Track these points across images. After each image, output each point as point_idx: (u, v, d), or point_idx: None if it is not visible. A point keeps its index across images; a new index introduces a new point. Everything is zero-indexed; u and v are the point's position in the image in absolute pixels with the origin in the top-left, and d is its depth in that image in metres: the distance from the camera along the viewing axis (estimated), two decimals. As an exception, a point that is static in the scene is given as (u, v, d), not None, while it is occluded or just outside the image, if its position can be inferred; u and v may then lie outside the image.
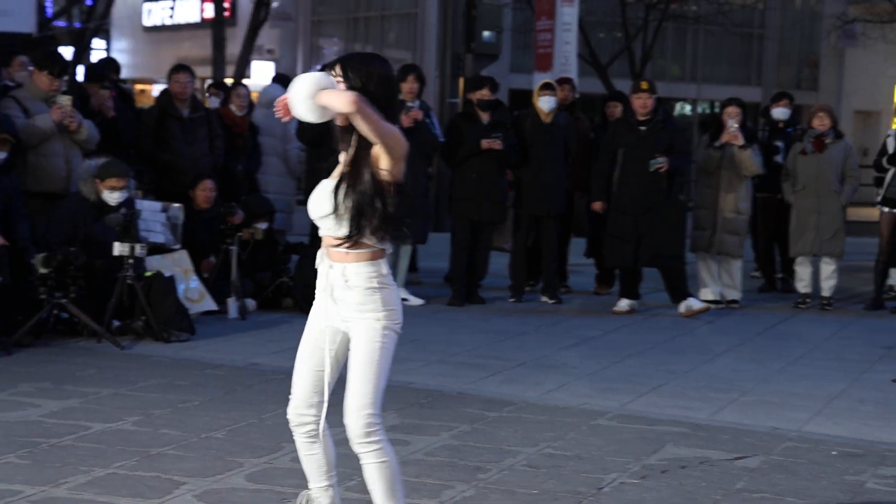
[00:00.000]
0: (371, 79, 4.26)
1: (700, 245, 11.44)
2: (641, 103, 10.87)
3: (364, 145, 4.24)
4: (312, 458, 4.48)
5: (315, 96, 4.16)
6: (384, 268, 4.33)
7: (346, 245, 4.27)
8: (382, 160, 4.23)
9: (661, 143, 10.82)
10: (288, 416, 4.45)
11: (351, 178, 4.25)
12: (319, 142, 10.97)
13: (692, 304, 10.95)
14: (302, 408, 4.42)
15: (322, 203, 4.29)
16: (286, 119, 4.39)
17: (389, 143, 4.20)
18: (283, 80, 12.19)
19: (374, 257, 4.30)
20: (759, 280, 13.34)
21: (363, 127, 4.16)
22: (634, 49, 27.94)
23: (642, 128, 10.87)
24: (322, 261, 4.37)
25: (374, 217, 4.22)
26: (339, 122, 4.30)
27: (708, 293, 11.51)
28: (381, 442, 4.29)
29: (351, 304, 4.30)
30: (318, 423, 4.42)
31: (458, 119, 11.42)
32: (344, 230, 4.26)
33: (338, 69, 4.29)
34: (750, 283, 13.01)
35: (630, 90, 11.26)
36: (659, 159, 10.69)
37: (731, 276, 11.59)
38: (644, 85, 11.00)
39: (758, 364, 8.89)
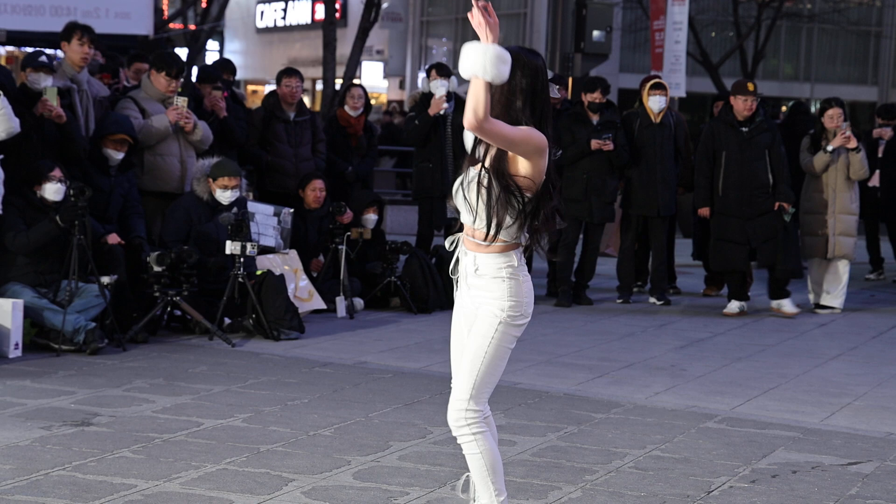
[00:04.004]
0: (516, 70, 4.18)
1: (816, 251, 11.06)
2: (748, 105, 10.68)
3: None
4: None
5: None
6: (516, 259, 4.32)
7: (481, 238, 4.27)
8: (519, 162, 4.20)
9: (765, 144, 10.65)
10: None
11: (484, 178, 4.23)
12: (425, 142, 11.01)
13: (784, 305, 10.84)
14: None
15: (459, 197, 4.30)
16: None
17: (518, 142, 4.14)
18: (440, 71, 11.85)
19: (507, 249, 4.29)
20: (873, 281, 13.06)
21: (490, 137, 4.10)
22: (746, 48, 27.58)
23: (744, 129, 10.71)
24: (459, 247, 4.39)
25: (509, 216, 4.21)
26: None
27: (833, 300, 11.20)
28: (474, 435, 4.31)
29: (481, 289, 4.32)
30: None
31: (567, 119, 11.35)
32: (481, 225, 4.25)
33: None
34: (859, 284, 12.75)
35: (731, 90, 11.00)
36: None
37: (839, 279, 11.16)
38: (751, 87, 10.80)
39: (872, 368, 8.72)
